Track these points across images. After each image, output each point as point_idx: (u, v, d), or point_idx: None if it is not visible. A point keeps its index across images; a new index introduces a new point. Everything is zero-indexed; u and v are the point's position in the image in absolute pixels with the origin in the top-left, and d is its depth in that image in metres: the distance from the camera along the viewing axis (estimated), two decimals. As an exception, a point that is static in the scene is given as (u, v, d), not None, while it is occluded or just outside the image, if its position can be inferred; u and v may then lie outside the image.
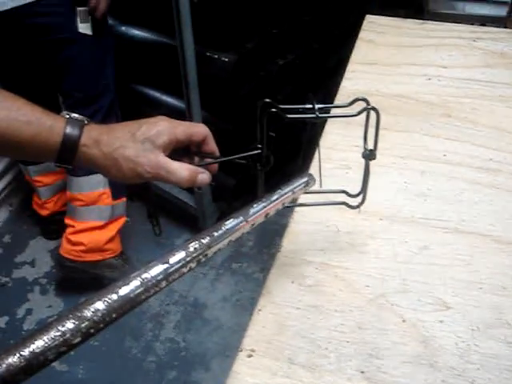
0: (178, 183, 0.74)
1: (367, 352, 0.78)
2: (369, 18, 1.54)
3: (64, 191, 2.37)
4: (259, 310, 0.84)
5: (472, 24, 1.63)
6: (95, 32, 1.85)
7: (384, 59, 1.37)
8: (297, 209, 0.99)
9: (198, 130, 0.77)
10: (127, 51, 2.23)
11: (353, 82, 1.30)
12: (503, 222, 0.96)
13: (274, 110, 0.76)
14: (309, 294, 0.86)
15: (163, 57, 2.12)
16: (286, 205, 0.80)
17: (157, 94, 2.30)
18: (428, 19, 1.54)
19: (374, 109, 0.80)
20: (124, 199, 2.15)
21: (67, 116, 0.74)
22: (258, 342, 0.80)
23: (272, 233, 2.45)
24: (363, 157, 0.83)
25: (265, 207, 0.76)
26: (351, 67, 1.36)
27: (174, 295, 2.26)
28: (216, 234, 0.69)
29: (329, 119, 1.19)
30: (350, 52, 1.41)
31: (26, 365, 0.53)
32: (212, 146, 0.80)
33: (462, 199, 1.00)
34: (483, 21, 3.32)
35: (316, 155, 1.09)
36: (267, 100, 0.76)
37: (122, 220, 2.20)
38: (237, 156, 0.79)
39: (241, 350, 0.79)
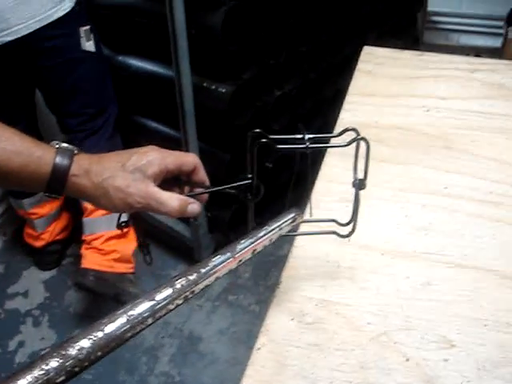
0: (169, 213, 0.74)
1: (370, 393, 0.75)
2: (366, 49, 1.54)
3: (59, 219, 2.36)
4: (258, 349, 0.81)
5: (467, 55, 1.63)
6: (96, 48, 1.93)
7: (382, 90, 1.36)
8: (296, 243, 0.98)
9: (187, 159, 0.77)
10: (124, 81, 2.23)
11: (351, 114, 1.29)
12: (506, 255, 0.94)
13: (264, 140, 0.76)
14: (309, 331, 0.83)
15: (160, 87, 2.11)
16: (273, 240, 0.79)
17: (153, 125, 2.29)
18: (423, 50, 1.54)
19: (363, 139, 0.79)
20: None
21: (57, 146, 0.74)
22: (258, 382, 0.77)
23: (268, 264, 2.43)
24: (353, 186, 0.82)
25: (252, 243, 0.76)
26: (349, 98, 1.35)
27: (169, 328, 2.22)
28: (203, 270, 0.69)
29: (328, 152, 1.18)
30: (348, 82, 1.41)
31: None
32: (202, 175, 0.80)
33: (464, 233, 0.98)
34: (478, 52, 3.35)
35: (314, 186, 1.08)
36: (257, 130, 0.76)
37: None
38: (227, 186, 0.78)
39: (240, 391, 0.76)
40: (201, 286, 0.68)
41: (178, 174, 0.77)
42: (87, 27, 1.87)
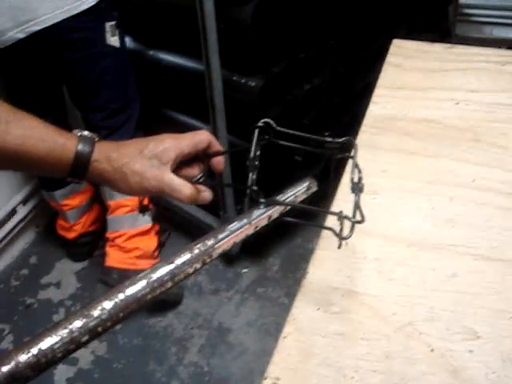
0: (180, 199, 0.78)
1: (394, 382, 0.76)
2: (396, 42, 1.53)
3: (90, 211, 2.40)
4: (284, 337, 0.83)
5: (499, 48, 1.61)
6: (121, 44, 1.96)
7: (411, 83, 1.36)
8: (322, 235, 0.98)
9: (201, 138, 0.81)
10: (155, 75, 2.26)
11: (380, 107, 1.30)
12: (534, 249, 0.94)
13: (267, 136, 0.79)
14: (335, 321, 0.85)
15: (190, 81, 2.13)
16: (286, 219, 0.80)
17: (183, 118, 2.31)
18: (455, 43, 1.53)
19: (351, 140, 0.82)
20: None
21: (79, 134, 0.78)
22: (284, 369, 0.79)
23: (297, 257, 2.44)
24: (352, 191, 0.80)
25: (268, 210, 0.77)
26: (378, 91, 1.35)
27: (198, 319, 2.25)
28: (220, 235, 0.71)
29: (356, 143, 1.19)
30: (377, 76, 1.41)
31: (34, 362, 0.54)
32: (217, 147, 0.84)
33: (492, 226, 0.98)
34: (511, 44, 3.30)
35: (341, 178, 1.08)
36: (261, 124, 0.79)
37: (158, 226, 2.24)
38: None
39: (265, 378, 0.78)
40: (218, 250, 0.71)
41: (194, 153, 0.81)
42: (113, 23, 1.90)
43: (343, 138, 0.81)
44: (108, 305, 0.60)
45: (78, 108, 2.14)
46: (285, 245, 2.51)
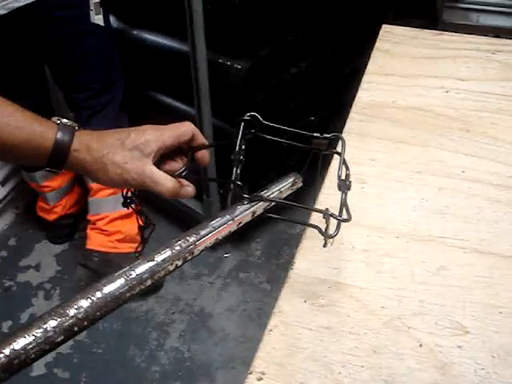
0: (162, 193, 0.76)
1: (382, 378, 0.75)
2: (385, 27, 1.51)
3: (71, 192, 2.36)
4: (270, 331, 0.81)
5: (485, 35, 1.60)
6: (105, 23, 1.91)
7: (400, 70, 1.34)
8: (316, 214, 0.96)
9: (184, 129, 0.79)
10: (139, 56, 2.21)
11: (369, 94, 1.27)
12: (524, 242, 0.92)
13: (252, 130, 0.79)
14: (322, 314, 0.83)
15: (175, 62, 2.09)
16: (268, 214, 0.79)
17: (168, 100, 2.27)
18: (442, 29, 1.51)
19: (340, 137, 0.80)
20: None
21: (58, 122, 0.75)
22: (269, 364, 0.77)
23: (280, 242, 2.42)
24: (338, 189, 0.78)
25: (252, 206, 0.76)
26: (367, 78, 1.33)
27: (179, 304, 2.23)
28: (202, 232, 0.69)
29: (344, 132, 1.17)
30: (365, 61, 1.39)
31: (6, 363, 0.52)
32: (201, 139, 0.82)
33: (482, 218, 0.96)
34: (498, 32, 3.28)
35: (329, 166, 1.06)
36: (247, 117, 0.78)
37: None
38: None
39: (251, 373, 0.76)
40: (200, 247, 0.69)
41: (177, 146, 0.79)
42: (97, 0, 1.85)
43: (331, 134, 0.79)
44: (84, 303, 0.57)
45: (60, 88, 2.09)
46: (268, 230, 2.49)
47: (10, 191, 2.52)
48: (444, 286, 0.85)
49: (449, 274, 0.87)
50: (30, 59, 1.96)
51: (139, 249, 2.20)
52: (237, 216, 0.73)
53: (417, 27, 1.52)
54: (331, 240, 0.75)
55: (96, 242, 2.13)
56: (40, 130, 0.73)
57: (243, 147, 0.78)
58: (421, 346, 0.78)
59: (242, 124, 0.78)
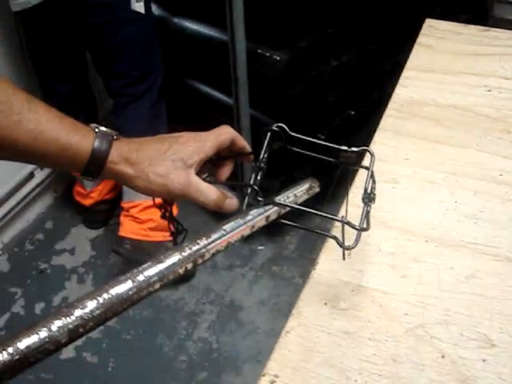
0: (205, 204, 0.75)
1: (400, 388, 0.71)
2: (429, 21, 1.46)
3: (108, 179, 2.37)
4: (287, 332, 0.79)
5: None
6: (146, 11, 1.90)
7: (442, 67, 1.29)
8: (337, 223, 0.93)
9: (224, 138, 0.77)
10: (178, 44, 2.20)
11: (407, 90, 1.23)
12: (561, 252, 0.88)
13: (279, 142, 0.78)
14: (342, 318, 0.80)
15: (214, 51, 2.07)
16: (282, 221, 0.78)
17: (205, 89, 2.26)
18: (492, 25, 1.45)
19: (369, 151, 0.78)
20: None
21: (96, 130, 0.73)
22: (283, 367, 0.74)
23: (315, 237, 2.39)
24: (363, 202, 0.76)
25: (266, 210, 0.74)
26: (406, 73, 1.29)
27: (210, 294, 2.22)
28: (214, 235, 0.68)
29: (379, 129, 1.13)
30: (407, 56, 1.34)
31: (9, 362, 0.51)
32: (241, 144, 0.80)
33: (517, 225, 0.92)
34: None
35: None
36: (275, 128, 0.77)
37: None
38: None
39: (263, 375, 0.74)
40: (212, 251, 0.67)
41: (218, 154, 0.78)
42: None
43: (360, 148, 0.76)
44: (91, 304, 0.56)
45: (100, 74, 2.11)
46: (303, 224, 2.45)
47: (49, 174, 2.54)
48: (472, 295, 0.82)
49: (478, 283, 0.83)
50: (71, 45, 1.98)
51: (171, 238, 2.21)
52: (250, 220, 0.72)
53: (464, 23, 1.47)
54: (348, 252, 0.73)
55: (128, 229, 2.13)
56: (77, 140, 0.70)
57: (266, 155, 0.77)
58: (443, 357, 0.75)
59: (269, 134, 0.77)
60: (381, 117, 1.19)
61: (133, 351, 2.05)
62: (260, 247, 2.39)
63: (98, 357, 2.03)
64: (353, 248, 0.73)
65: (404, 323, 0.79)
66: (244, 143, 0.80)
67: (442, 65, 1.30)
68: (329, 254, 0.89)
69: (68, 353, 2.02)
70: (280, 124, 0.77)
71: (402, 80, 1.27)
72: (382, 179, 1.02)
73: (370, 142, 1.11)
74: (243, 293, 2.22)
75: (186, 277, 2.25)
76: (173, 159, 0.73)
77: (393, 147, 1.09)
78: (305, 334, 0.78)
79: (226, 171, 0.80)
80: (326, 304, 0.82)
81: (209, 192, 0.74)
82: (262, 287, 2.25)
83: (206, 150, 0.75)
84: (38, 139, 0.68)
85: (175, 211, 2.15)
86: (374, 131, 1.14)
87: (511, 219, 0.93)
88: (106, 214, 2.49)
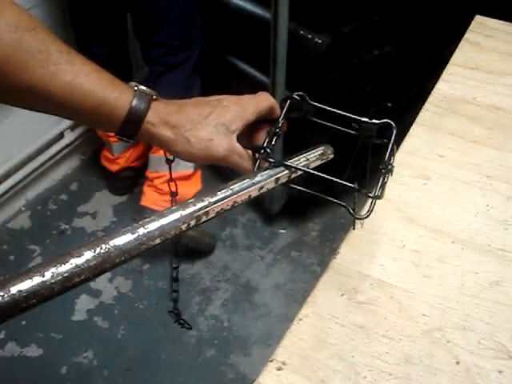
0: (246, 170, 0.73)
1: (410, 390, 0.69)
2: (478, 18, 1.41)
3: (136, 146, 2.36)
4: (300, 320, 0.76)
5: None
6: None
7: (487, 65, 1.25)
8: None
9: (265, 105, 0.76)
10: (220, 17, 2.18)
11: (449, 86, 1.20)
12: None
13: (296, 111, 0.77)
14: (358, 311, 0.78)
15: (255, 28, 2.04)
16: (292, 185, 0.75)
17: (242, 66, 2.23)
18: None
19: (390, 124, 0.75)
20: None
21: (135, 88, 0.70)
22: (292, 355, 0.73)
23: (338, 226, 2.37)
24: (380, 170, 0.73)
25: (276, 173, 0.72)
26: (450, 69, 1.25)
27: (227, 272, 2.21)
28: (220, 193, 0.66)
29: (415, 123, 1.10)
30: (452, 52, 1.30)
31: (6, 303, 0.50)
32: (278, 112, 0.78)
33: (549, 235, 0.89)
34: None
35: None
36: (295, 96, 0.75)
37: (200, 172, 2.20)
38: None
39: (271, 361, 0.72)
40: (216, 209, 0.65)
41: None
42: None
43: (381, 121, 0.73)
44: (89, 254, 0.55)
45: (138, 40, 2.09)
46: (327, 211, 2.44)
47: (78, 136, 2.54)
48: (494, 303, 0.79)
49: (502, 291, 0.80)
50: (113, 6, 1.96)
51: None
52: (259, 182, 0.69)
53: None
54: (361, 222, 0.70)
55: (150, 199, 2.13)
56: (114, 96, 0.68)
57: (283, 122, 0.76)
58: (458, 363, 0.72)
59: (288, 101, 0.76)
60: (418, 112, 1.15)
61: (144, 321, 2.06)
62: (282, 231, 2.38)
63: (108, 322, 2.04)
64: (366, 217, 0.71)
65: (421, 324, 0.76)
66: (279, 113, 0.78)
67: (487, 63, 1.26)
68: (351, 244, 0.86)
69: (80, 315, 2.03)
70: (300, 93, 0.75)
71: (444, 75, 1.24)
72: (413, 173, 0.99)
73: (404, 136, 1.08)
74: (260, 275, 2.21)
75: (205, 252, 2.25)
76: (215, 124, 0.71)
77: (427, 142, 1.06)
78: (318, 323, 0.76)
79: (262, 136, 0.77)
80: (342, 295, 0.80)
81: (249, 158, 0.74)
82: (279, 271, 2.23)
83: (247, 116, 0.73)
84: (74, 92, 0.66)
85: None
86: (410, 125, 1.11)
87: (543, 229, 0.89)
88: (132, 181, 2.49)
